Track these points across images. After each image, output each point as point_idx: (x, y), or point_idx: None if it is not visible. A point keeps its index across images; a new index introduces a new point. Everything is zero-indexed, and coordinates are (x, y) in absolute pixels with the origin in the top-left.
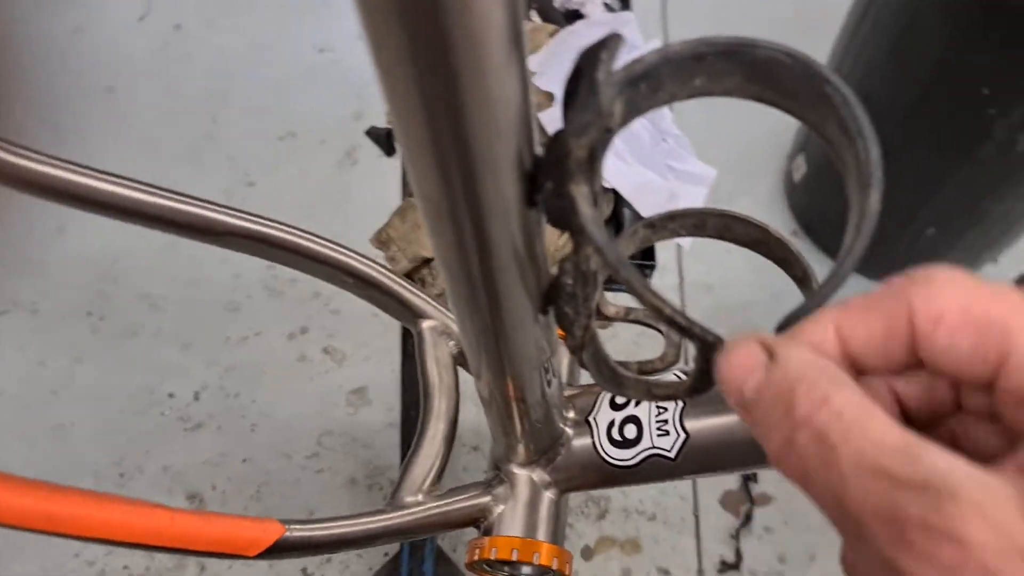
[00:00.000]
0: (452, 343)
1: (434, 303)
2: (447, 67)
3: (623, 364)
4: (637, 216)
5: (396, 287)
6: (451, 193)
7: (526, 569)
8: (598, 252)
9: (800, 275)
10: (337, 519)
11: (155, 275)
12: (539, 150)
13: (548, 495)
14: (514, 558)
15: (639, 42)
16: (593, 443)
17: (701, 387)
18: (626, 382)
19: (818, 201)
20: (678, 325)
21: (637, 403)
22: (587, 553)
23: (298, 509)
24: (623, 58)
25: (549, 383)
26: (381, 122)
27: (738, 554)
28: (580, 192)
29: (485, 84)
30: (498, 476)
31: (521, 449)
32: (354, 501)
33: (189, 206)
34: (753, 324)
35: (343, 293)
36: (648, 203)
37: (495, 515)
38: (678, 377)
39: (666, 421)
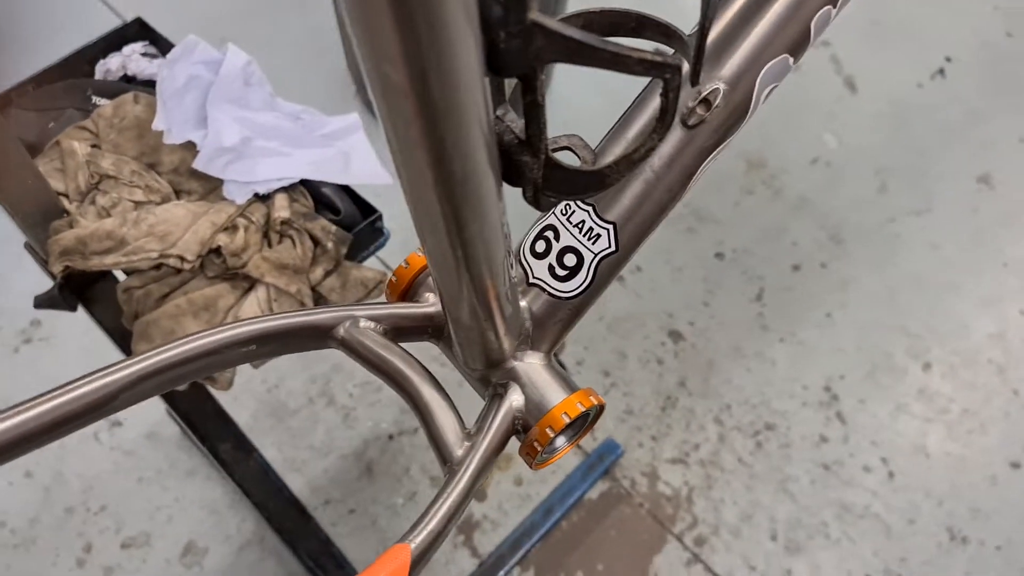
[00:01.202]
0: (374, 324)
1: (331, 309)
2: None
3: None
4: (340, 189)
5: (298, 320)
6: (421, 67)
7: (578, 420)
8: (581, 48)
9: (633, 24)
10: (433, 505)
11: None
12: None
13: (542, 364)
14: (567, 421)
15: (219, 56)
16: (549, 294)
17: (668, 119)
18: (606, 172)
19: None
20: (655, 64)
21: (557, 239)
22: (479, 495)
23: None
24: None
25: (512, 266)
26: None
27: None
28: (537, 14)
29: None
30: (497, 386)
31: (502, 347)
32: None
33: (76, 390)
34: None
35: (92, 490)
36: (331, 172)
37: (524, 410)
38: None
39: (591, 228)
